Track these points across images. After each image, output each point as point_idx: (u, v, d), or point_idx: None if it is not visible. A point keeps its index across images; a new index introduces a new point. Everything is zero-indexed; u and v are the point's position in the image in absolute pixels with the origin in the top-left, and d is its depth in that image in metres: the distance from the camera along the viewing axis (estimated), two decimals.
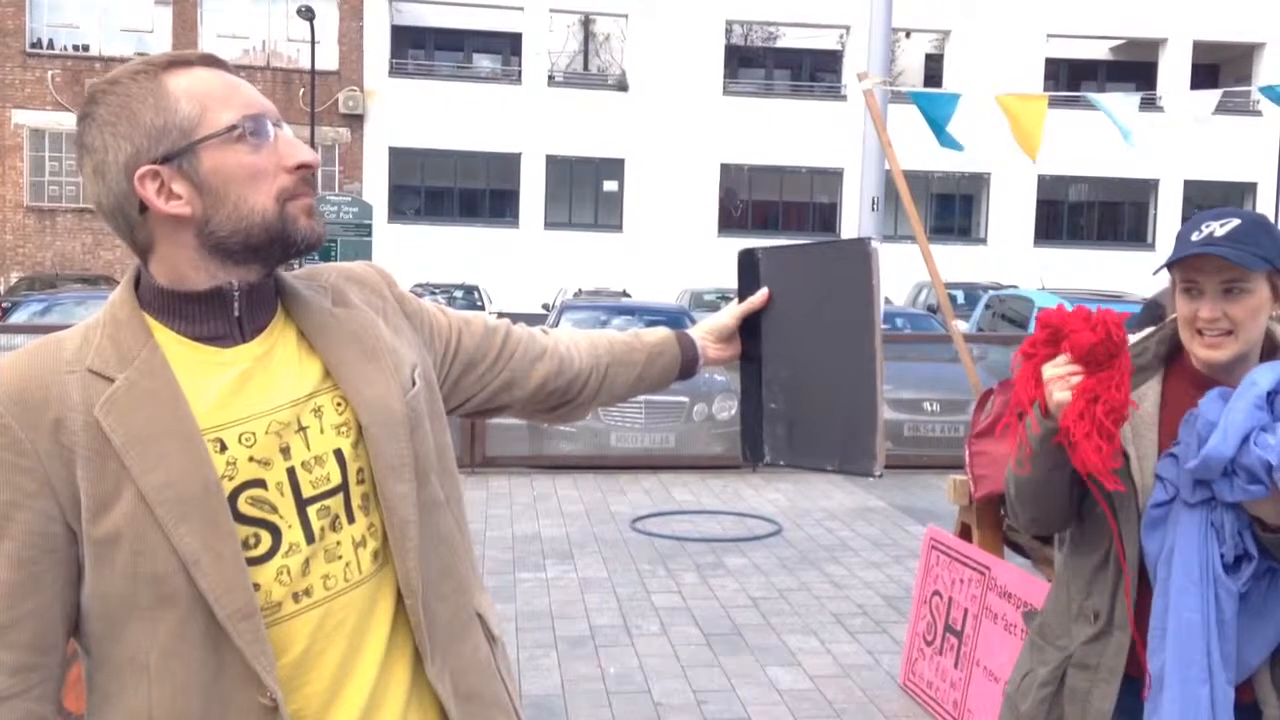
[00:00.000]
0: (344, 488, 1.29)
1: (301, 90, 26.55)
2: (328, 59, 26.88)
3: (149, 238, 1.26)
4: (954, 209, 30.14)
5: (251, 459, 1.24)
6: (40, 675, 1.21)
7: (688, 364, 1.76)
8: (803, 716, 4.27)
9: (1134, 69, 31.29)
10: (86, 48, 26.43)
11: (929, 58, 30.90)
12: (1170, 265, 1.91)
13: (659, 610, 5.53)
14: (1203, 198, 30.37)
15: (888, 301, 20.51)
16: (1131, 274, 26.85)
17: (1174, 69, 29.90)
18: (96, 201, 1.27)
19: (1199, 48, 29.86)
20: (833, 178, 28.96)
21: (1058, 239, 30.00)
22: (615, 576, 6.11)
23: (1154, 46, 30.38)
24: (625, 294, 20.94)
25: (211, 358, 1.26)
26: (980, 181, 29.03)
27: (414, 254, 25.68)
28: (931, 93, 4.25)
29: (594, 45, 30.75)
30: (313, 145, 26.36)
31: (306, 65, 25.98)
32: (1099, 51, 31.88)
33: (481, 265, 26.21)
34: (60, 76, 26.14)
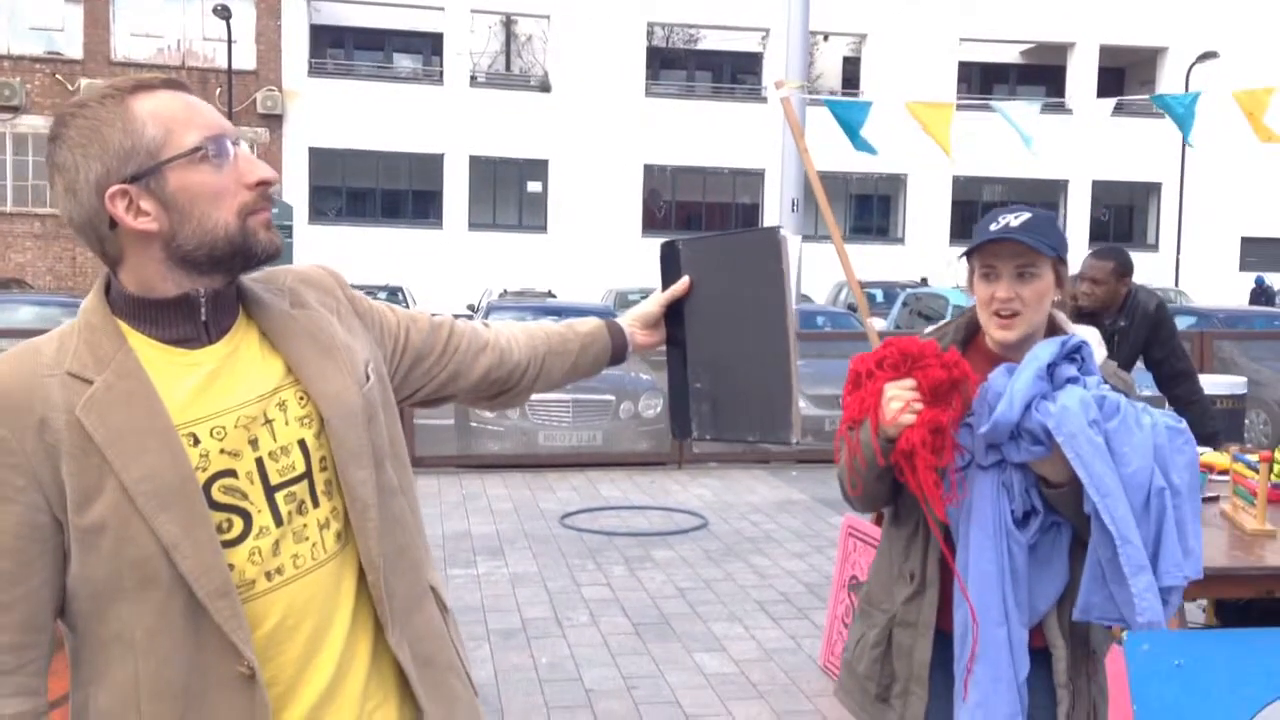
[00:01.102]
0: (308, 475, 1.42)
1: (218, 90, 26.14)
2: (245, 58, 26.52)
3: (118, 250, 1.37)
4: (872, 209, 30.73)
5: (222, 451, 1.36)
6: (33, 653, 1.32)
7: (618, 350, 1.90)
8: (728, 698, 4.45)
9: (1043, 72, 32.18)
10: None
11: (846, 60, 31.45)
12: (970, 252, 2.15)
13: (589, 602, 5.68)
14: (1110, 197, 31.34)
15: (808, 299, 20.88)
16: None
17: (1082, 73, 30.82)
18: (69, 217, 1.37)
19: (1105, 52, 30.82)
20: (754, 178, 29.33)
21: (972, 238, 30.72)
22: (545, 571, 6.24)
23: (1063, 50, 31.27)
24: (551, 294, 21.01)
25: (181, 359, 1.37)
26: (897, 182, 29.64)
27: (336, 255, 25.40)
28: (845, 100, 4.46)
29: (515, 46, 30.76)
30: None
31: (223, 65, 25.61)
32: (1010, 55, 32.72)
33: (405, 266, 26.05)
34: None
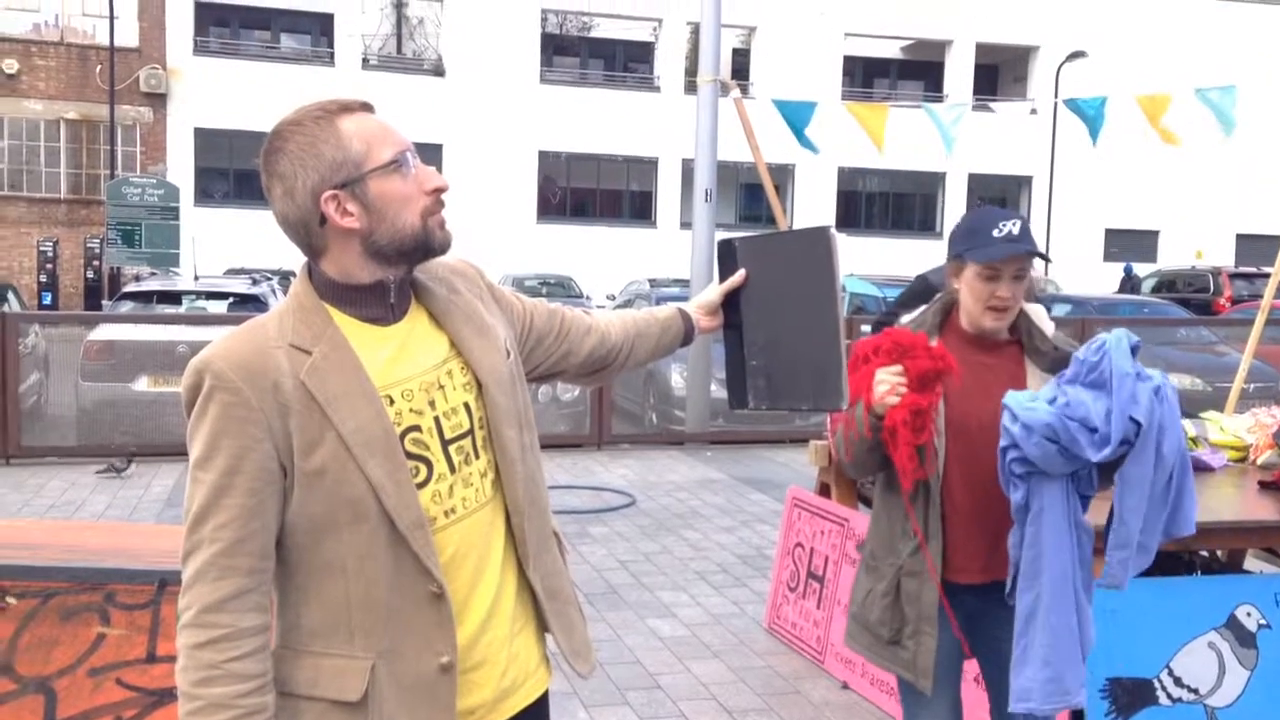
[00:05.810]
0: (471, 432, 1.69)
1: (99, 67, 25.39)
2: (127, 35, 25.79)
3: (324, 244, 1.63)
4: (762, 198, 31.41)
5: (411, 410, 1.63)
6: (266, 576, 1.58)
7: (688, 333, 2.21)
8: (685, 658, 4.79)
9: (923, 68, 33.33)
10: None
11: (736, 52, 32.07)
12: (974, 256, 2.41)
13: None
14: (984, 189, 32.66)
15: None
16: (922, 260, 28.70)
17: (959, 69, 32.04)
18: (284, 216, 1.62)
19: (981, 49, 32.10)
20: (648, 166, 29.74)
21: (856, 227, 31.69)
22: None
23: (941, 47, 32.45)
24: None
25: (376, 334, 1.64)
26: (785, 173, 30.37)
27: (224, 238, 24.88)
28: (792, 101, 4.82)
29: (407, 29, 30.51)
30: (112, 125, 25.26)
31: (104, 41, 24.88)
32: (891, 51, 33.79)
33: (296, 252, 25.57)
34: None
